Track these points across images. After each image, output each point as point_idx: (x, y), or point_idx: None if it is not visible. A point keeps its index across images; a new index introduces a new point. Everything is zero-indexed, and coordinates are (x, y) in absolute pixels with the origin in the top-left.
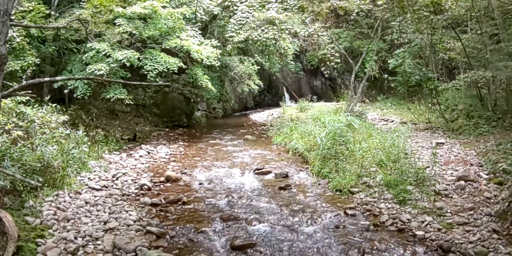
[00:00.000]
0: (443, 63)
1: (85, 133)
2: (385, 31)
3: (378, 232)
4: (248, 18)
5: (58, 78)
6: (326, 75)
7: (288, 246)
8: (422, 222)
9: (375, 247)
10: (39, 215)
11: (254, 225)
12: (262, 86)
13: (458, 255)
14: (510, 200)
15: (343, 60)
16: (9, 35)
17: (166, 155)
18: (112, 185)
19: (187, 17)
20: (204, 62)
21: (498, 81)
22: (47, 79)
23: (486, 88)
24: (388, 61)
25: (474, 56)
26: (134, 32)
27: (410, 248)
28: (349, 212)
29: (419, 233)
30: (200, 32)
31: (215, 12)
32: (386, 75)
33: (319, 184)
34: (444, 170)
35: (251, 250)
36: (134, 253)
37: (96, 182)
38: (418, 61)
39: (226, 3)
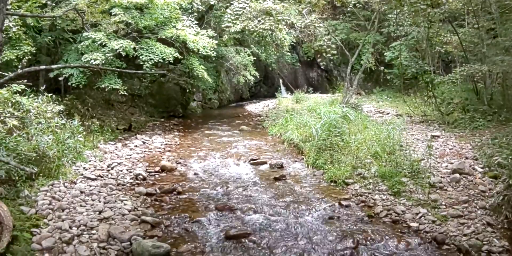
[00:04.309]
0: (439, 56)
1: (80, 123)
2: (382, 23)
3: (373, 223)
4: (244, 8)
5: (53, 66)
6: (322, 67)
7: (283, 236)
8: (417, 214)
9: (369, 238)
10: (34, 204)
11: (249, 215)
12: (258, 77)
13: (452, 247)
14: (505, 194)
15: (340, 52)
16: (5, 24)
17: (161, 145)
18: (107, 175)
19: (184, 7)
20: (200, 52)
21: (495, 75)
22: (42, 67)
23: (482, 82)
24: (385, 54)
25: (471, 50)
26: (130, 22)
27: (404, 240)
28: (344, 203)
29: (414, 224)
30: (196, 22)
31: (212, 2)
32: (382, 68)
33: (314, 175)
34: (439, 162)
35: (246, 240)
36: (128, 242)
37: (91, 171)
38: (414, 54)
39: None
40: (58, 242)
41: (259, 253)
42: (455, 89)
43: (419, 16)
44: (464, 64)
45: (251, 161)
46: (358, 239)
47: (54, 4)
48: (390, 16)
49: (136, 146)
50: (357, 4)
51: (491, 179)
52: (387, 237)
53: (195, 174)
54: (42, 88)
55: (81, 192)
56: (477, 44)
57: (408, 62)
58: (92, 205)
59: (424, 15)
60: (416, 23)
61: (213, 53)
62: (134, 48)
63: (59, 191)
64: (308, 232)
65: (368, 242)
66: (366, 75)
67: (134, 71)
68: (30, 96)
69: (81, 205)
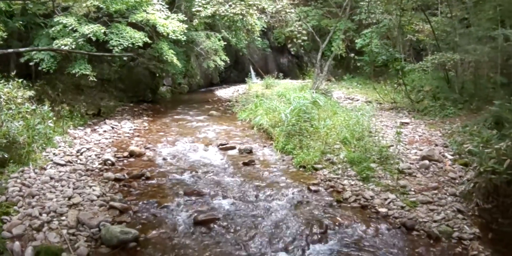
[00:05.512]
0: (410, 44)
1: (50, 108)
2: (354, 10)
3: (341, 208)
4: None
5: (22, 49)
6: (292, 53)
7: (251, 221)
8: (385, 199)
9: (337, 223)
10: (5, 192)
11: (217, 200)
12: (229, 62)
13: (422, 233)
14: (475, 181)
15: (311, 38)
16: None
17: (130, 130)
18: (76, 161)
19: None
20: (170, 37)
21: (467, 64)
22: (10, 50)
23: (453, 71)
24: (356, 41)
25: (443, 39)
26: (101, 6)
27: (373, 225)
28: (313, 188)
29: (382, 210)
30: (167, 6)
31: None
32: (352, 55)
33: (283, 160)
34: (408, 149)
35: (214, 225)
36: (97, 228)
37: (61, 157)
38: (385, 42)
39: None
40: (28, 229)
41: (227, 238)
42: (425, 77)
43: (391, 3)
44: (435, 52)
45: (220, 146)
46: (326, 224)
47: None
48: (362, 3)
49: (105, 131)
50: None
51: (461, 166)
52: (355, 222)
53: (163, 159)
54: (13, 73)
55: (51, 178)
56: (449, 33)
57: (379, 49)
58: (62, 191)
59: (397, 3)
60: (388, 11)
61: (183, 37)
62: (104, 33)
63: (29, 177)
64: (276, 216)
65: (336, 227)
66: (337, 62)
67: (101, 53)
68: (0, 81)
69: (50, 191)
